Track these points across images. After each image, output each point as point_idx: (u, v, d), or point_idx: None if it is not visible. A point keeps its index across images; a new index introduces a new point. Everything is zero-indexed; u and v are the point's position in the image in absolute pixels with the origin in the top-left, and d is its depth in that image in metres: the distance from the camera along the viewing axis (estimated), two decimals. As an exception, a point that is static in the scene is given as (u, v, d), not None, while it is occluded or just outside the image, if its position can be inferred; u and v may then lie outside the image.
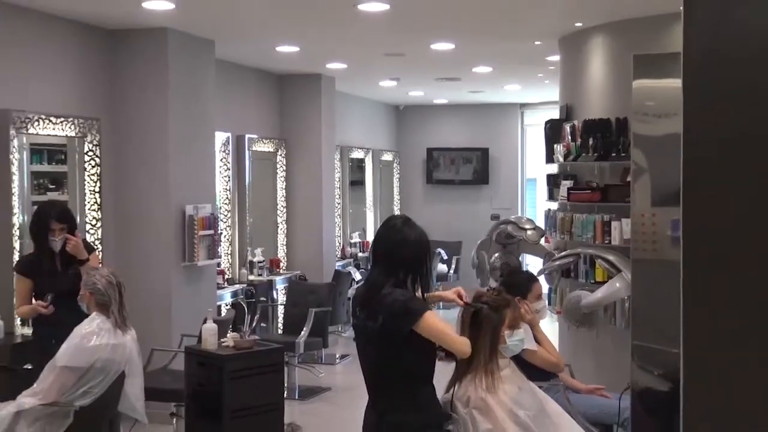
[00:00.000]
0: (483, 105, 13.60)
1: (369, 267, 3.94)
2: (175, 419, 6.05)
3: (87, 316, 4.97)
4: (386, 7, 6.31)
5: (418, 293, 3.63)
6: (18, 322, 6.04)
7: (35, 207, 5.96)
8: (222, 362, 4.88)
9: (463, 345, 3.57)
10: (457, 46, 8.20)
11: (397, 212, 13.39)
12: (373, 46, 8.23)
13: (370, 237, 12.03)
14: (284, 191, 10.12)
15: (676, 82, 1.02)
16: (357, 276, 10.50)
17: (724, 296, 0.98)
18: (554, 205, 7.50)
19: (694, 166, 0.99)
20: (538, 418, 3.54)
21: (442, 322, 3.57)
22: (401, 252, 3.60)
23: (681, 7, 1.01)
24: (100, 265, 6.08)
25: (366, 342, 3.66)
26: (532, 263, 7.48)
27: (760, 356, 0.97)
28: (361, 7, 6.30)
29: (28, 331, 5.96)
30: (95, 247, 5.87)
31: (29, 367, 5.28)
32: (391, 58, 8.96)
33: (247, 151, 9.26)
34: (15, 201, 6.04)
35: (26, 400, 4.62)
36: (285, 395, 7.39)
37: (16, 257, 6.09)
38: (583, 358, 6.83)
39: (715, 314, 1.00)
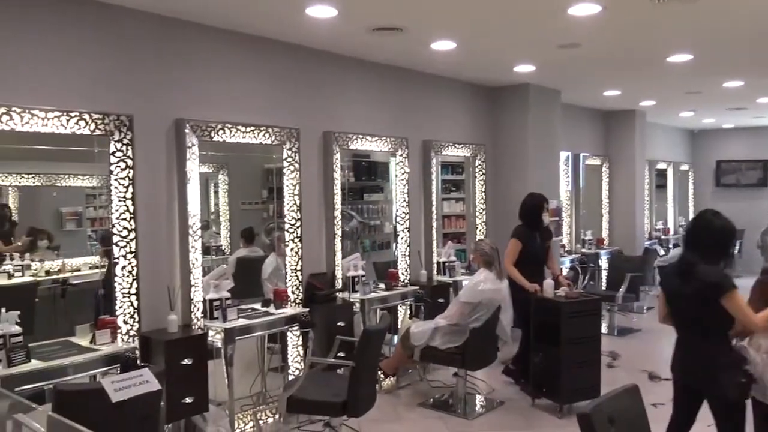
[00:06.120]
0: (765, 127, 11.68)
1: (683, 246, 3.38)
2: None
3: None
4: (690, 57, 5.60)
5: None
6: (435, 269, 6.17)
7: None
8: (560, 306, 4.66)
9: (754, 323, 2.96)
10: (746, 83, 7.07)
11: (690, 209, 11.99)
12: (676, 87, 7.37)
13: (670, 225, 10.91)
14: (607, 192, 9.48)
15: None
16: (661, 252, 9.59)
17: None
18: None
19: None
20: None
21: (743, 301, 2.98)
22: (707, 237, 3.11)
23: None
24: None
25: (680, 302, 3.16)
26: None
27: None
28: (669, 59, 5.67)
29: (444, 278, 6.08)
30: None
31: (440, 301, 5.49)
32: (690, 95, 7.97)
33: (581, 164, 8.79)
34: (433, 198, 6.31)
35: (440, 320, 4.80)
36: (607, 332, 6.99)
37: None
38: None
39: None
